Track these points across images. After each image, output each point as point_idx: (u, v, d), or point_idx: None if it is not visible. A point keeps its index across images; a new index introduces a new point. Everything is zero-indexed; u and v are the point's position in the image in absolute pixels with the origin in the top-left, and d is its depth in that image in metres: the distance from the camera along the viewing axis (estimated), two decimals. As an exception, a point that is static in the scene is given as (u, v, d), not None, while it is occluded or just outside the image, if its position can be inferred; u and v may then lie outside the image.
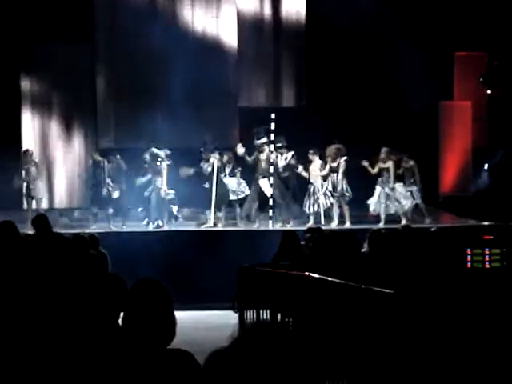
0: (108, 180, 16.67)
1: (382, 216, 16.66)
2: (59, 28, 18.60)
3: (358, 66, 18.90)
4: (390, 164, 16.72)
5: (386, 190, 16.72)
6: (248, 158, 16.62)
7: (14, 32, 18.69)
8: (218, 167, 16.63)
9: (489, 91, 19.23)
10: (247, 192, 16.89)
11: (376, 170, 16.72)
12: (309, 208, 16.79)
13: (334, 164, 16.63)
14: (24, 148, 17.89)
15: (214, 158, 16.65)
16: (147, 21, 18.85)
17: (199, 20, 19.32)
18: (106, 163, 16.76)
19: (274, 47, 19.48)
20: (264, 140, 16.52)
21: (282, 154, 16.79)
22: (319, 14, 18.69)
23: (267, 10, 19.61)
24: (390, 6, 18.29)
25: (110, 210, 16.60)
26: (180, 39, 18.76)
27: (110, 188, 16.64)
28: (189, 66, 17.96)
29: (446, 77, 19.34)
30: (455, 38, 18.93)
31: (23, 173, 16.92)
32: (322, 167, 16.73)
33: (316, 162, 16.80)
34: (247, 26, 19.39)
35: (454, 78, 19.74)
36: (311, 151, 16.76)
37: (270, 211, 16.59)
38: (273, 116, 16.56)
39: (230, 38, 19.29)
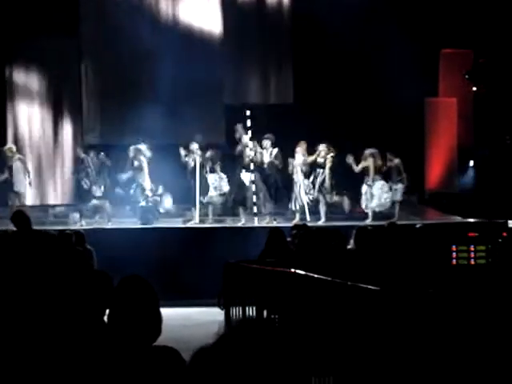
0: (92, 176, 16.67)
1: (370, 213, 16.73)
2: (45, 22, 18.51)
3: (344, 63, 18.91)
4: (369, 162, 16.83)
5: (366, 187, 16.87)
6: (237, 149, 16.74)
7: (0, 26, 18.60)
8: (200, 163, 16.66)
9: (474, 88, 19.28)
10: (227, 188, 16.92)
11: (360, 167, 16.84)
12: (294, 205, 16.82)
13: (321, 160, 16.68)
14: (9, 144, 17.77)
15: (196, 155, 16.68)
16: (133, 16, 18.79)
17: (185, 15, 19.27)
18: (90, 159, 16.76)
19: (260, 44, 19.45)
20: (246, 135, 16.66)
21: (266, 150, 16.81)
22: (305, 11, 18.70)
23: (253, 5, 19.58)
24: (377, 4, 18.31)
25: (94, 205, 16.60)
26: (166, 35, 18.73)
27: (94, 184, 16.64)
28: (175, 62, 17.94)
29: (431, 73, 19.37)
30: (441, 35, 18.96)
31: (7, 169, 16.86)
32: (304, 162, 16.77)
33: (298, 158, 16.82)
34: (233, 22, 19.35)
35: (439, 74, 19.78)
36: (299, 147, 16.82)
37: (255, 208, 16.64)
38: (248, 113, 16.69)
39: (215, 34, 19.26)
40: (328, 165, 16.64)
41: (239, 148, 16.74)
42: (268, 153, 16.79)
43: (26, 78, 19.10)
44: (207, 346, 2.18)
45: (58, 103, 19.21)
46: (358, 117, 18.81)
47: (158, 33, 18.63)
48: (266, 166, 16.79)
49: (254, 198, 16.64)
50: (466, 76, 19.04)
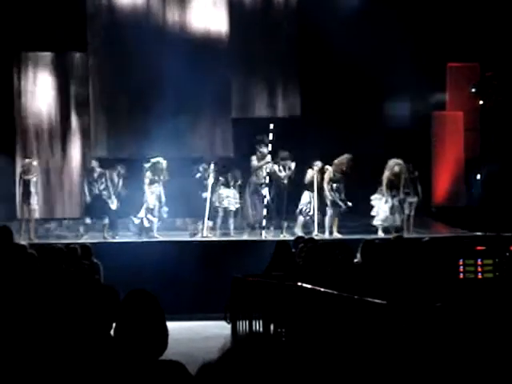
0: (106, 190, 16.67)
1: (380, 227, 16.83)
2: (53, 36, 18.57)
3: (351, 76, 18.90)
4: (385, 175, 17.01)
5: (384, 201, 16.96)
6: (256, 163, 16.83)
7: (8, 40, 18.64)
8: (214, 178, 16.75)
9: (481, 102, 19.27)
10: (237, 205, 16.98)
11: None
12: (303, 216, 16.93)
13: (339, 174, 16.81)
14: (25, 157, 17.80)
15: (210, 169, 16.77)
16: (141, 30, 18.85)
17: (192, 29, 19.29)
18: (104, 173, 16.77)
19: (266, 58, 19.44)
20: (266, 150, 16.77)
21: (284, 166, 16.95)
22: (311, 23, 18.71)
23: (259, 18, 19.60)
24: (384, 18, 18.32)
25: (106, 221, 16.60)
26: (174, 49, 18.75)
27: (108, 198, 16.64)
28: (183, 77, 18.00)
29: (438, 87, 19.37)
30: (448, 49, 18.97)
31: (23, 182, 16.89)
32: (318, 176, 16.89)
33: (312, 171, 16.92)
34: (239, 37, 19.36)
35: (446, 88, 19.78)
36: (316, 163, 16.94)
37: (264, 221, 16.67)
38: (271, 126, 16.79)
39: (222, 48, 19.27)
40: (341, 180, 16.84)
41: (256, 163, 16.87)
42: (286, 167, 16.91)
43: (34, 91, 19.12)
44: (213, 360, 2.17)
45: (67, 116, 19.22)
46: (365, 130, 18.79)
47: (165, 47, 18.68)
48: (283, 180, 16.88)
49: (264, 212, 16.71)
50: (473, 90, 19.04)
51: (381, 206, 16.89)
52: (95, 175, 16.76)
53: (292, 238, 14.61)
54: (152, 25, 19.13)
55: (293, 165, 16.98)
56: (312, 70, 19.36)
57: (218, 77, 18.87)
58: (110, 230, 16.62)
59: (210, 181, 16.72)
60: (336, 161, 16.86)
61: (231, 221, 17.03)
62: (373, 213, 16.93)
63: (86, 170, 17.59)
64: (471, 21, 18.47)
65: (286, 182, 16.94)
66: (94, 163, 17.07)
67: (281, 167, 16.95)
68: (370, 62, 18.35)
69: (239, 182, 17.10)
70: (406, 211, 17.12)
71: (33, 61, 19.07)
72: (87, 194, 16.86)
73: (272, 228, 16.99)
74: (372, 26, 18.42)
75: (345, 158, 16.83)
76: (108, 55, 19.17)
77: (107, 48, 19.17)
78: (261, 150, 16.89)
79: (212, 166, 16.89)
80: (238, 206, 17.02)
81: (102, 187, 16.68)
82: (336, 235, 16.45)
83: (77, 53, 19.11)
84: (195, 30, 19.35)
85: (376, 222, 16.88)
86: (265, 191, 16.80)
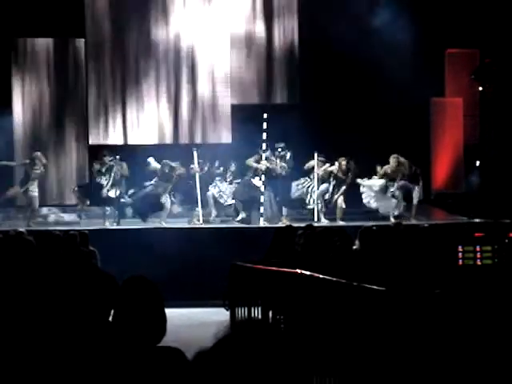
0: (108, 179, 16.67)
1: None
2: (51, 22, 18.51)
3: (350, 63, 18.83)
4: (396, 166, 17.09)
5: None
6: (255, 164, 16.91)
7: (5, 26, 18.57)
8: (208, 171, 16.90)
9: (480, 88, 19.24)
10: (230, 201, 17.03)
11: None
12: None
13: (341, 174, 16.90)
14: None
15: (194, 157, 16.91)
16: (140, 15, 18.77)
17: (193, 14, 19.17)
18: (106, 163, 16.77)
19: (266, 44, 19.37)
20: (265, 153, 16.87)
21: (280, 158, 17.00)
22: (311, 13, 18.69)
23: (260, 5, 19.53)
24: (383, 4, 18.28)
25: (106, 207, 16.64)
26: (174, 35, 18.71)
27: (109, 187, 16.64)
28: (181, 62, 17.94)
29: (437, 74, 19.32)
30: (446, 35, 18.91)
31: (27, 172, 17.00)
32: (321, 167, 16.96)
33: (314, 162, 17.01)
34: (240, 29, 19.28)
35: (445, 74, 19.74)
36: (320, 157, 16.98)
37: (261, 208, 16.67)
38: (265, 116, 16.77)
39: (222, 34, 19.16)
40: (350, 177, 16.85)
41: (252, 162, 16.95)
42: (282, 160, 16.95)
43: (31, 78, 19.06)
44: (211, 346, 2.16)
45: (65, 104, 19.16)
46: (363, 117, 18.76)
47: (164, 33, 18.63)
48: (278, 172, 16.92)
49: (262, 199, 16.72)
50: (472, 76, 19.00)
51: (367, 191, 17.02)
52: (96, 164, 16.82)
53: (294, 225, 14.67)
54: (151, 9, 19.01)
55: (288, 155, 17.01)
56: (311, 57, 19.28)
57: (216, 62, 18.81)
58: (111, 217, 16.63)
59: (196, 169, 16.80)
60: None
61: (224, 212, 17.18)
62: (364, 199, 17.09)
63: (79, 158, 17.57)
64: (470, 7, 18.42)
65: (282, 173, 16.96)
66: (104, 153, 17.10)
67: (277, 160, 17.00)
68: (368, 48, 18.30)
69: (232, 168, 17.12)
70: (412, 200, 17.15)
71: (30, 47, 18.98)
72: (89, 182, 16.99)
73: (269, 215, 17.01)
74: (371, 13, 18.37)
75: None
76: (106, 41, 19.07)
77: (105, 35, 19.06)
78: (261, 152, 16.99)
79: (195, 153, 16.93)
80: (232, 202, 17.04)
81: (101, 175, 16.69)
82: (339, 222, 16.47)
83: (74, 39, 19.03)
84: (196, 15, 19.21)
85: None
86: (257, 181, 16.82)
